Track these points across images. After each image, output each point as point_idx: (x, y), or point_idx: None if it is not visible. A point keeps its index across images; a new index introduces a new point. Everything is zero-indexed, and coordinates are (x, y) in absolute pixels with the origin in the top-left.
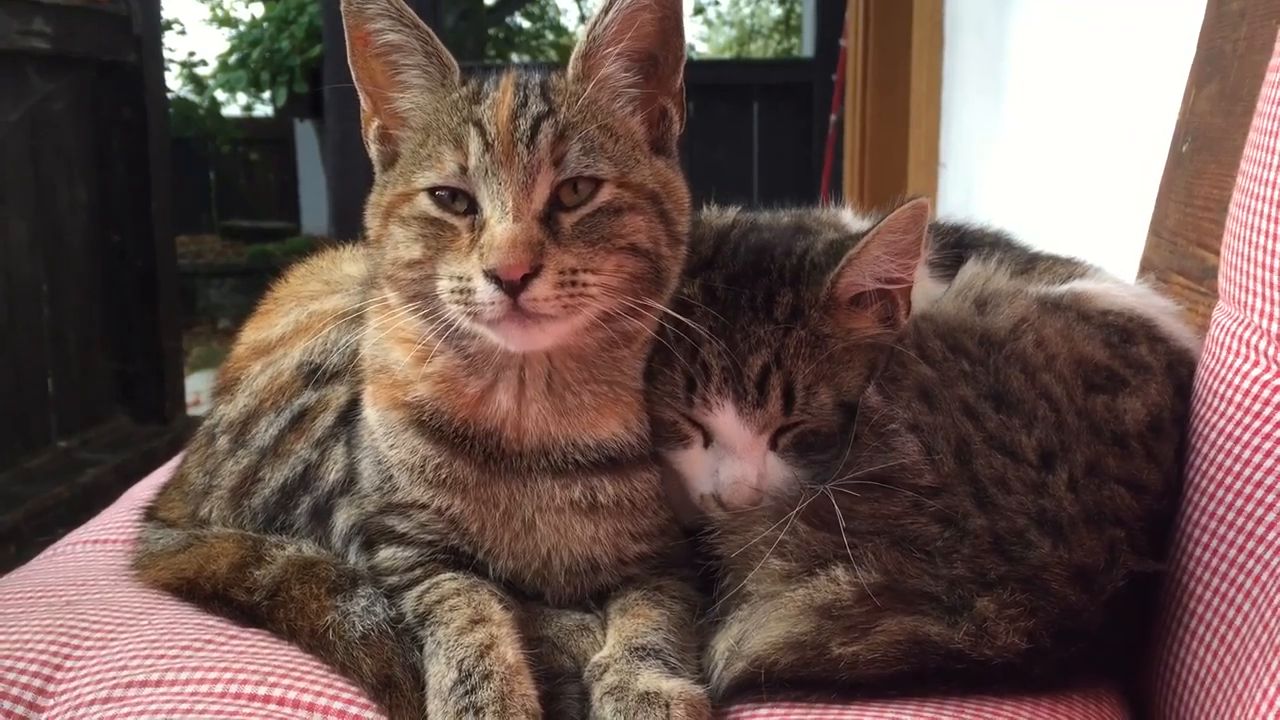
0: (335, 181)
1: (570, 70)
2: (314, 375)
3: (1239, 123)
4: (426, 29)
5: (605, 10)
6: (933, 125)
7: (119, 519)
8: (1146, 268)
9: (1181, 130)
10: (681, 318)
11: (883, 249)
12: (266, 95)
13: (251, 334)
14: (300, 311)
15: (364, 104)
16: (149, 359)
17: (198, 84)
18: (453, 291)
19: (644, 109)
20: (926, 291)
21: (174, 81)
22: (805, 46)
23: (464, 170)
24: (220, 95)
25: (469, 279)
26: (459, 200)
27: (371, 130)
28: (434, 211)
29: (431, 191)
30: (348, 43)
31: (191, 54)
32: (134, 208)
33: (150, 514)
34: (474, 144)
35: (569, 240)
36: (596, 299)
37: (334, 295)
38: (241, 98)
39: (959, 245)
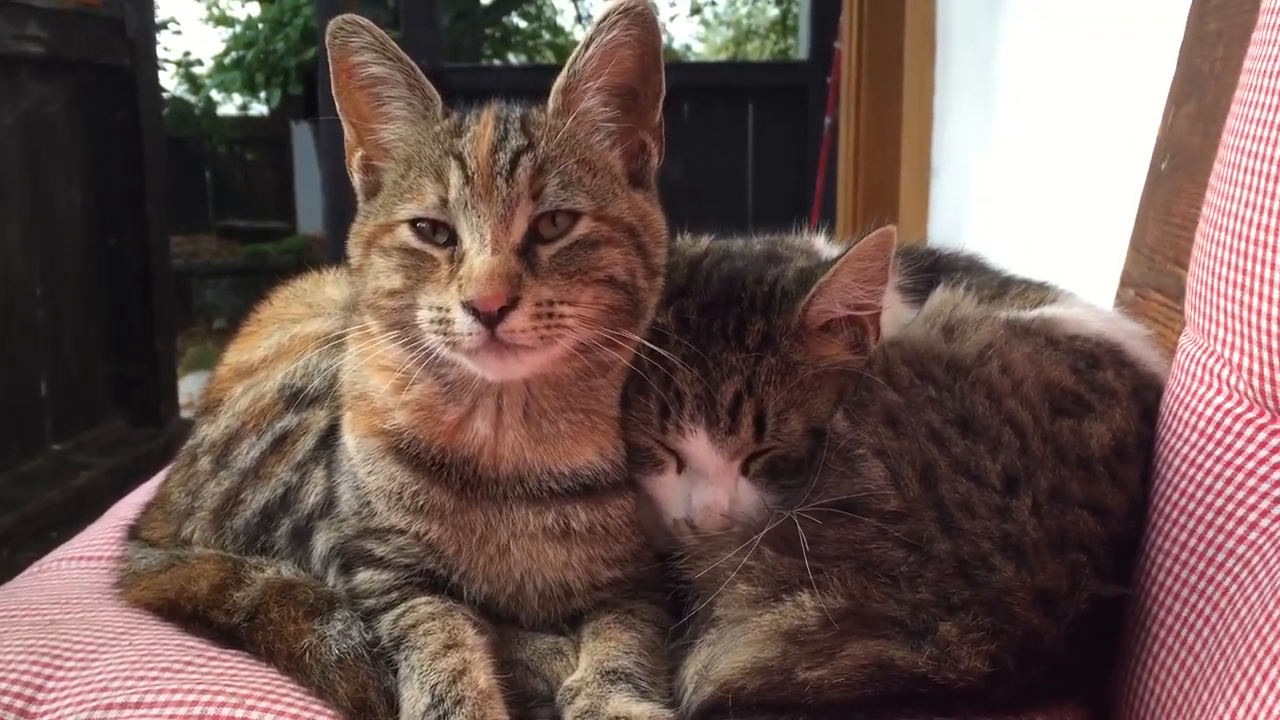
0: (330, 182)
1: (550, 104)
2: (295, 398)
3: (1215, 143)
4: (409, 62)
5: (586, 45)
6: (925, 131)
7: (104, 535)
8: (1127, 282)
9: (1161, 148)
10: (656, 348)
11: (851, 276)
12: (262, 96)
13: (234, 355)
14: (283, 334)
15: (347, 134)
16: (144, 362)
17: (194, 84)
18: (432, 322)
19: (623, 143)
20: (898, 316)
21: (170, 81)
22: (800, 49)
23: (444, 202)
24: (216, 95)
25: (448, 310)
26: (439, 232)
27: (355, 160)
28: (414, 243)
29: (413, 223)
30: (331, 75)
31: (187, 54)
32: (129, 210)
33: (133, 533)
34: (454, 177)
35: (546, 273)
36: (573, 330)
37: (316, 319)
38: (237, 98)
39: (933, 269)
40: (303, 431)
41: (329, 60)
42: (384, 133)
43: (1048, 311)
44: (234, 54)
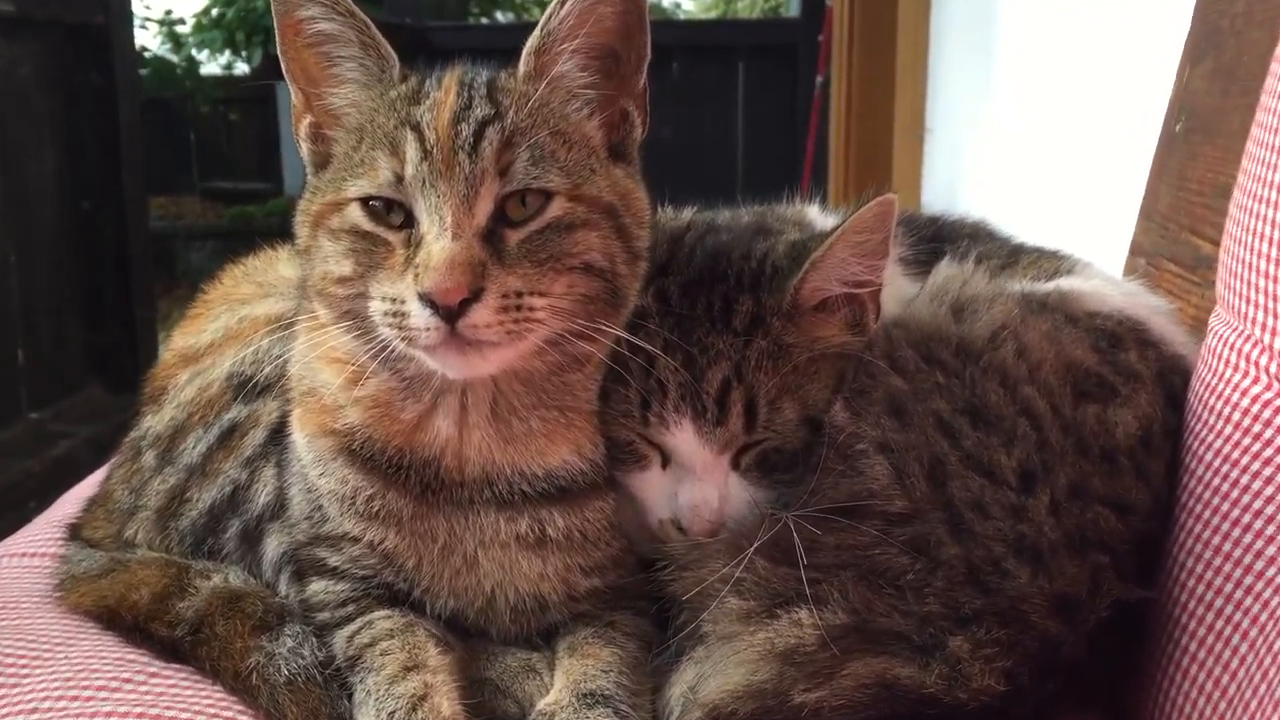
0: None
1: (521, 68)
2: (244, 388)
3: (1236, 103)
4: (364, 17)
5: (561, 3)
6: (918, 89)
7: (49, 530)
8: (1137, 251)
9: (1175, 108)
10: (638, 341)
11: (849, 250)
12: (244, 55)
13: (180, 339)
14: (231, 316)
15: (294, 99)
16: (122, 328)
17: (177, 42)
18: (385, 314)
19: (602, 111)
20: (900, 291)
21: (152, 40)
22: (791, 6)
23: (400, 179)
24: (199, 54)
25: (402, 301)
26: (394, 212)
27: (303, 127)
28: (366, 224)
29: (364, 202)
30: (276, 31)
31: (169, 12)
32: (105, 174)
33: (74, 532)
34: (411, 150)
35: (514, 259)
36: (544, 323)
37: (267, 300)
38: (220, 57)
39: (936, 239)
40: (252, 424)
41: (273, 15)
42: (334, 97)
43: (1065, 284)
44: (215, 11)
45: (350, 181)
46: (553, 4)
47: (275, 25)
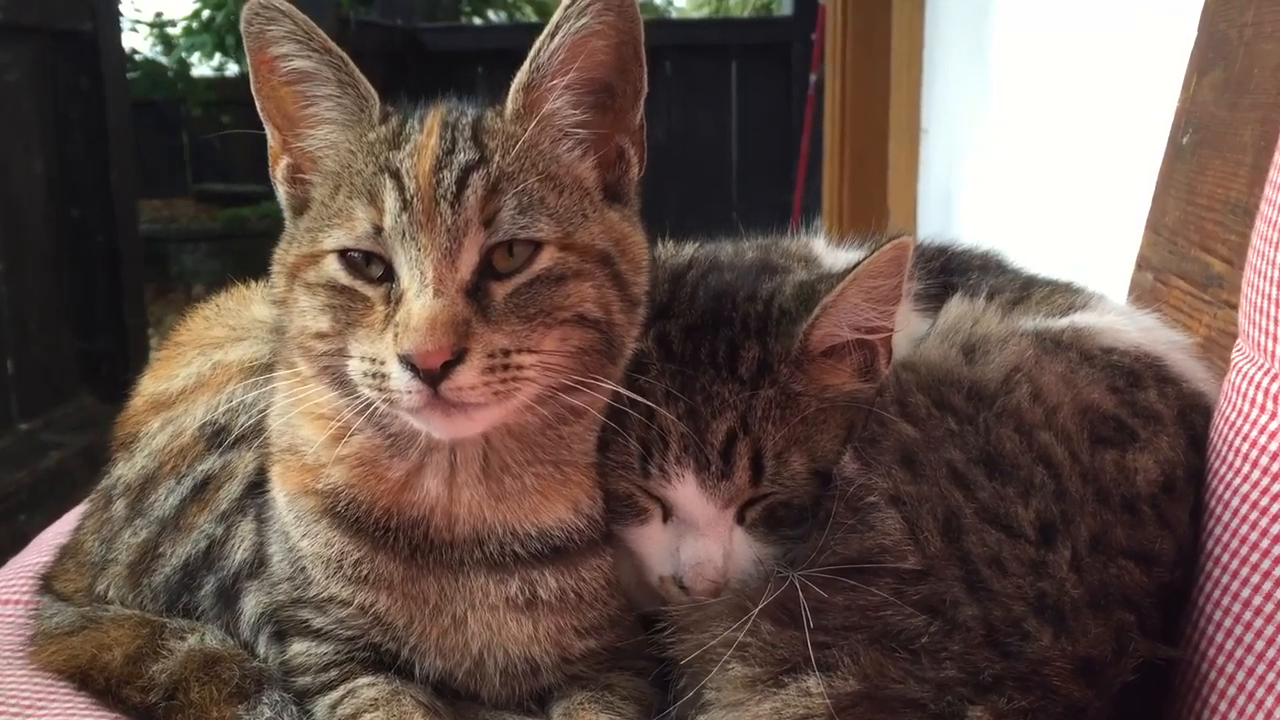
0: None
1: (509, 105)
2: (218, 438)
3: (1246, 116)
4: (340, 54)
5: (551, 34)
6: (914, 89)
7: (23, 575)
8: (1143, 265)
9: (1181, 119)
10: (635, 397)
11: (861, 295)
12: (235, 57)
13: (151, 384)
14: (203, 361)
15: (271, 139)
16: (113, 336)
17: (168, 45)
18: (365, 374)
19: (597, 150)
20: (909, 329)
21: (144, 43)
22: (784, 4)
23: (379, 231)
24: (190, 57)
25: (382, 362)
26: (374, 264)
27: (280, 170)
28: (344, 279)
29: (342, 254)
30: (250, 68)
31: (159, 14)
32: (94, 180)
33: (46, 584)
34: (390, 200)
35: (501, 315)
36: (534, 380)
37: (241, 344)
38: (213, 59)
39: (945, 271)
40: (227, 477)
41: (246, 52)
42: (311, 138)
43: (1079, 320)
44: (204, 14)
45: (326, 233)
46: (542, 36)
47: (249, 62)
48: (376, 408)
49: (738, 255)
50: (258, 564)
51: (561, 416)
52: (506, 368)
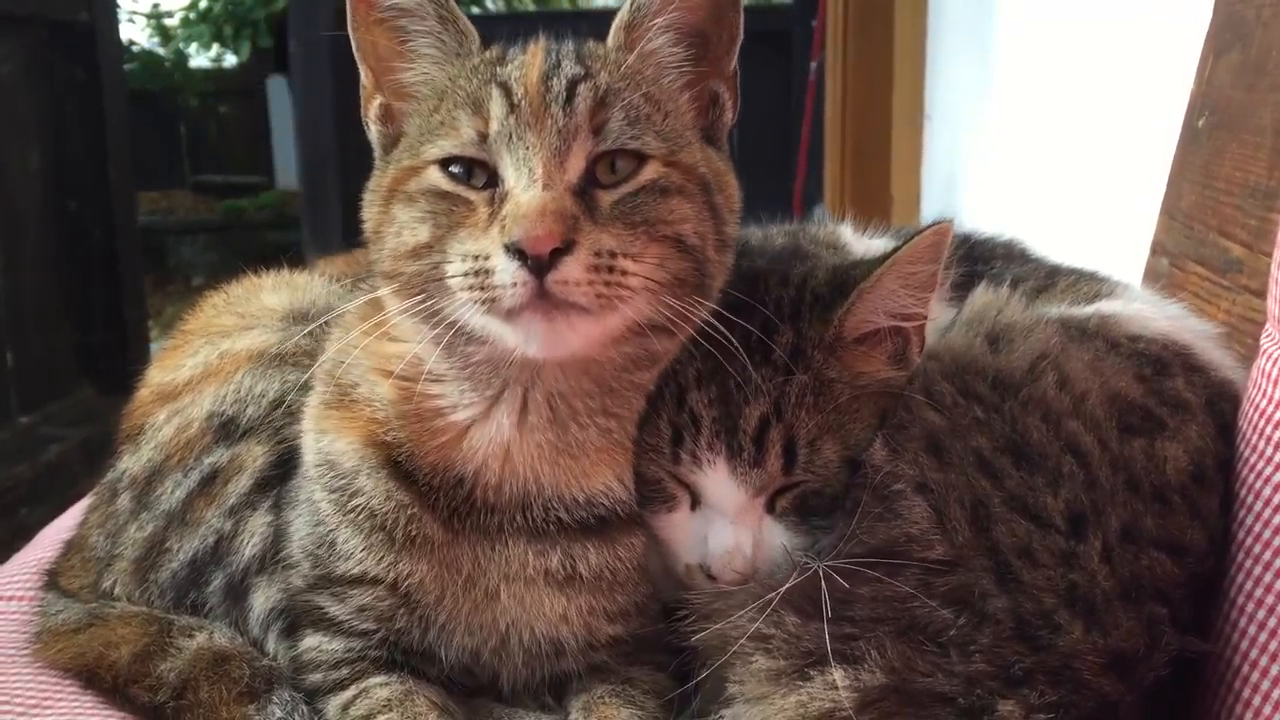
0: (302, 135)
1: (611, 39)
2: (225, 429)
3: (1264, 98)
4: None
5: None
6: (917, 74)
7: (26, 571)
8: (1158, 250)
9: (1197, 102)
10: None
11: (898, 281)
12: (232, 47)
13: (157, 374)
14: (211, 351)
15: (364, 79)
16: (112, 329)
17: (165, 36)
18: (466, 274)
19: (693, 89)
20: (934, 318)
21: (141, 34)
22: None
23: (483, 138)
24: (187, 48)
25: (486, 257)
26: (476, 174)
27: (373, 109)
28: (446, 185)
29: (444, 164)
30: (349, 7)
31: (156, 5)
32: (91, 173)
33: (51, 580)
34: (496, 106)
35: (607, 219)
36: (635, 293)
37: (250, 332)
38: (211, 50)
39: (969, 260)
40: (235, 470)
41: None
42: (408, 74)
43: (1105, 308)
44: (201, 5)
45: (428, 145)
46: None
47: (348, 1)
48: (465, 326)
49: (767, 240)
50: (267, 559)
51: (638, 360)
52: (611, 270)
